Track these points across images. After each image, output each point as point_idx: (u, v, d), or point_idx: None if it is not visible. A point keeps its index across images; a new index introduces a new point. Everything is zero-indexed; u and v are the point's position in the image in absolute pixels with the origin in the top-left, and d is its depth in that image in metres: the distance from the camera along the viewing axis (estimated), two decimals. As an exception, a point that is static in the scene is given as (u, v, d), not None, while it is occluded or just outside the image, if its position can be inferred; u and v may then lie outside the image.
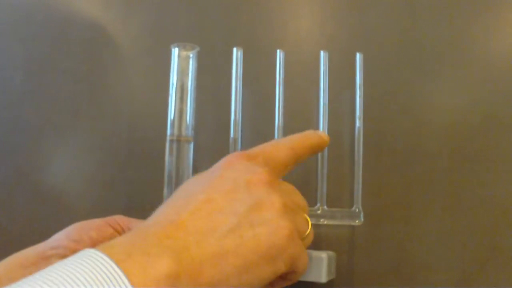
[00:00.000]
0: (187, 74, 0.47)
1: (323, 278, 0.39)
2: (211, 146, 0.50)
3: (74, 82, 0.51)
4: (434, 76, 0.49)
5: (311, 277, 0.39)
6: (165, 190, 0.45)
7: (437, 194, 0.47)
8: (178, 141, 0.46)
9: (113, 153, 0.50)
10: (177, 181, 0.46)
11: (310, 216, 0.46)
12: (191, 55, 0.47)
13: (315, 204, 0.46)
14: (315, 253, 0.37)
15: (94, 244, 0.38)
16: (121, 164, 0.50)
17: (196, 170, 0.48)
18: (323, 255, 0.37)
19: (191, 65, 0.47)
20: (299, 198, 0.36)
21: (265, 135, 0.48)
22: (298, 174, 0.49)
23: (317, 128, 0.47)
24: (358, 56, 0.47)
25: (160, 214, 0.31)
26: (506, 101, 0.49)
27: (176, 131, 0.46)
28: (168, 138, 0.46)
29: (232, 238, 0.28)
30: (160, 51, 0.49)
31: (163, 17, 0.52)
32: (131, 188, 0.50)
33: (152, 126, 0.50)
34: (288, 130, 0.48)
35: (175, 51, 0.47)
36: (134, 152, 0.50)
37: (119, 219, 0.41)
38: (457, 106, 0.49)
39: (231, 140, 0.46)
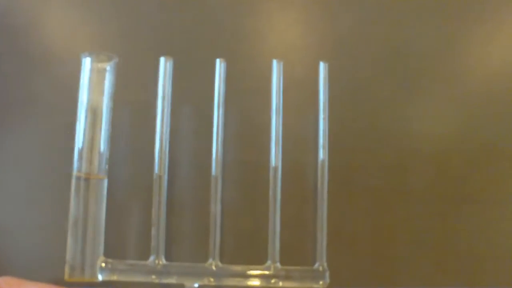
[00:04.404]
0: (102, 92, 0.37)
1: None
2: (130, 183, 0.39)
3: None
4: (420, 95, 0.40)
5: None
6: (69, 241, 0.35)
7: (425, 247, 0.37)
8: (87, 179, 0.36)
9: (10, 192, 0.40)
10: (85, 231, 0.35)
11: (259, 276, 0.36)
12: (107, 68, 0.37)
13: (265, 261, 0.36)
14: None
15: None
16: (18, 208, 0.40)
17: (111, 214, 0.37)
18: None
19: (108, 81, 0.37)
20: None
21: (202, 168, 0.38)
22: (243, 222, 0.38)
23: (268, 159, 0.37)
24: (321, 65, 0.37)
25: None
26: (508, 125, 0.40)
27: (85, 166, 0.36)
28: (74, 174, 0.36)
29: None
30: (70, 61, 0.40)
31: (76, 21, 0.42)
32: (31, 237, 0.39)
33: (59, 159, 0.39)
34: (231, 163, 0.38)
35: (86, 62, 0.37)
36: (35, 191, 0.40)
37: (10, 281, 0.35)
38: (449, 132, 0.39)
39: (155, 177, 0.36)
